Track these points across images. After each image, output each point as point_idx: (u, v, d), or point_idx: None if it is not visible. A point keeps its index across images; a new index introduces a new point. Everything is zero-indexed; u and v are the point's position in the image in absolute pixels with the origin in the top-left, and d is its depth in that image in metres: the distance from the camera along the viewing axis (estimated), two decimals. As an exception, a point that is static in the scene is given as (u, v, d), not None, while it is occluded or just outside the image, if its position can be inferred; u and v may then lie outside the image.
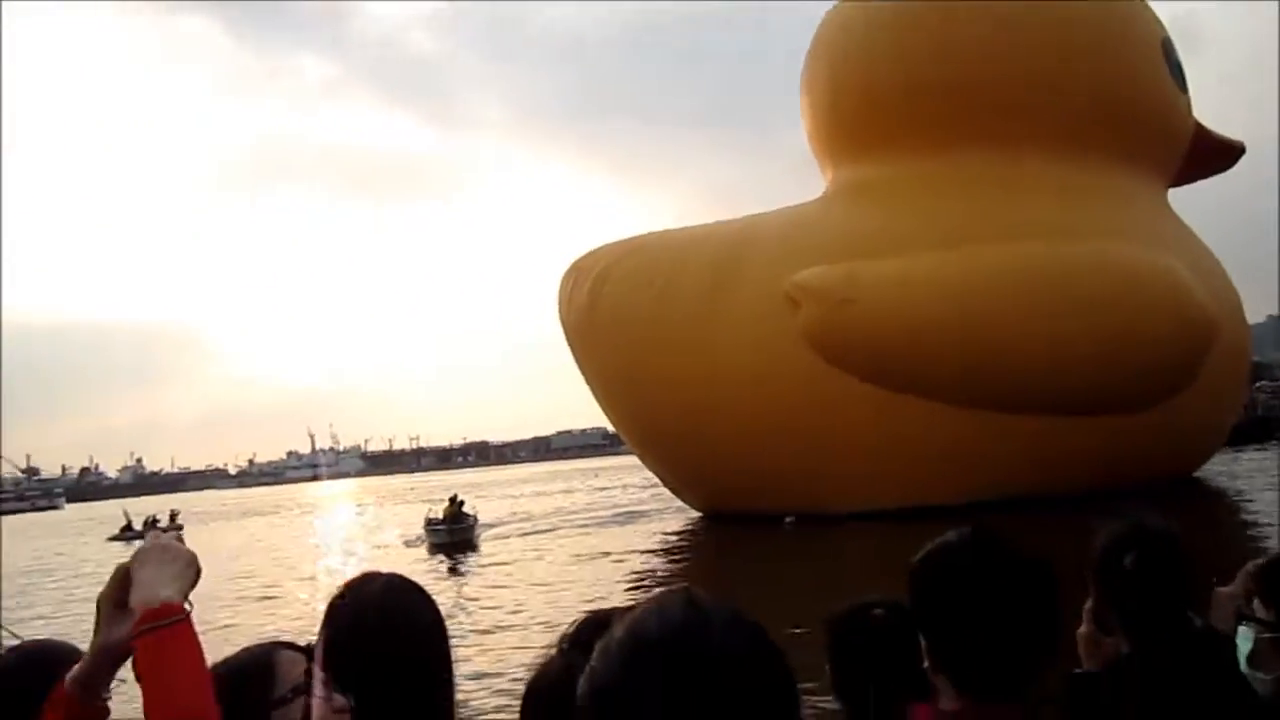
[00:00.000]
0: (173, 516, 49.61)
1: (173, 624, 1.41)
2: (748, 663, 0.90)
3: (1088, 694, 1.97)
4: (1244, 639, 2.03)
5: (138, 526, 48.14)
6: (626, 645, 0.91)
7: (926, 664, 1.64)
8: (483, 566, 23.88)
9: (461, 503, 31.03)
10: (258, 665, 1.65)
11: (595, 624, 1.69)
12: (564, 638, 1.76)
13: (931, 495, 21.47)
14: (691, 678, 0.87)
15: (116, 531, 48.32)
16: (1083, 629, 1.99)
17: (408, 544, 31.09)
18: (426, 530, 30.91)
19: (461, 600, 17.52)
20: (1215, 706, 1.82)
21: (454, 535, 29.25)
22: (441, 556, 26.65)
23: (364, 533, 40.52)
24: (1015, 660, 1.56)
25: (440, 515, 30.83)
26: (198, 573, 1.52)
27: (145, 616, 1.41)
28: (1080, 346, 21.01)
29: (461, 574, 23.00)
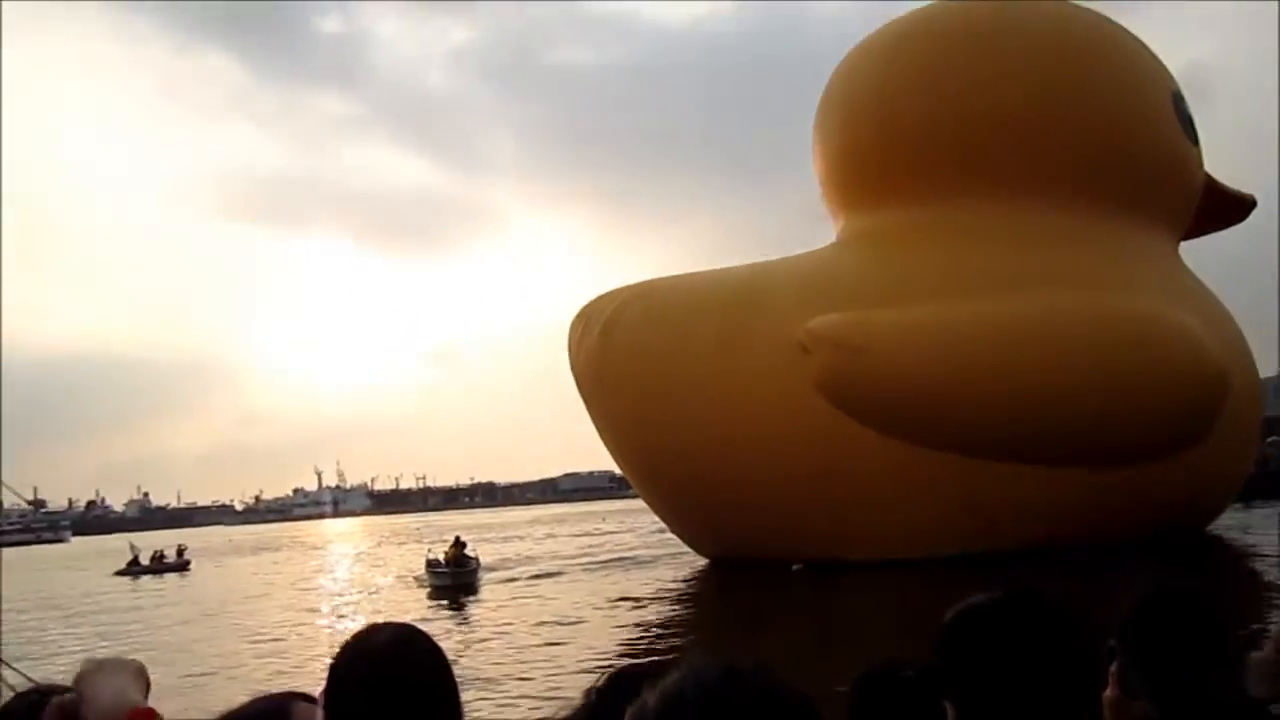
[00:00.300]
0: (179, 552, 49.49)
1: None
2: None
3: None
4: None
5: (145, 561, 48.02)
6: (661, 711, 0.89)
7: None
8: (487, 611, 23.40)
9: (464, 544, 30.62)
10: (272, 716, 1.62)
11: (625, 677, 1.65)
12: (592, 690, 1.71)
13: (942, 545, 21.42)
14: None
15: (124, 565, 47.97)
16: (1109, 693, 1.92)
17: (419, 581, 30.64)
18: (428, 572, 30.41)
19: (467, 647, 17.22)
20: None
21: (457, 579, 28.68)
22: (444, 600, 26.18)
23: (370, 572, 40.09)
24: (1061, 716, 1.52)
25: (441, 557, 30.39)
26: (147, 682, 1.51)
27: (132, 716, 1.41)
28: (1093, 398, 20.94)
29: (466, 619, 22.52)
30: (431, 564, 30.57)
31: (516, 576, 31.15)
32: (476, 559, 30.61)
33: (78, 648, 20.36)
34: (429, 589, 28.96)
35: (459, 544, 30.37)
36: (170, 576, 45.15)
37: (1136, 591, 2.01)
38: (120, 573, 46.66)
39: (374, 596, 30.03)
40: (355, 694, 1.63)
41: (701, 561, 28.55)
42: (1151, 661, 1.88)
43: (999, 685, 1.53)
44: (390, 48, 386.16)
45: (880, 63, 26.09)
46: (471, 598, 26.32)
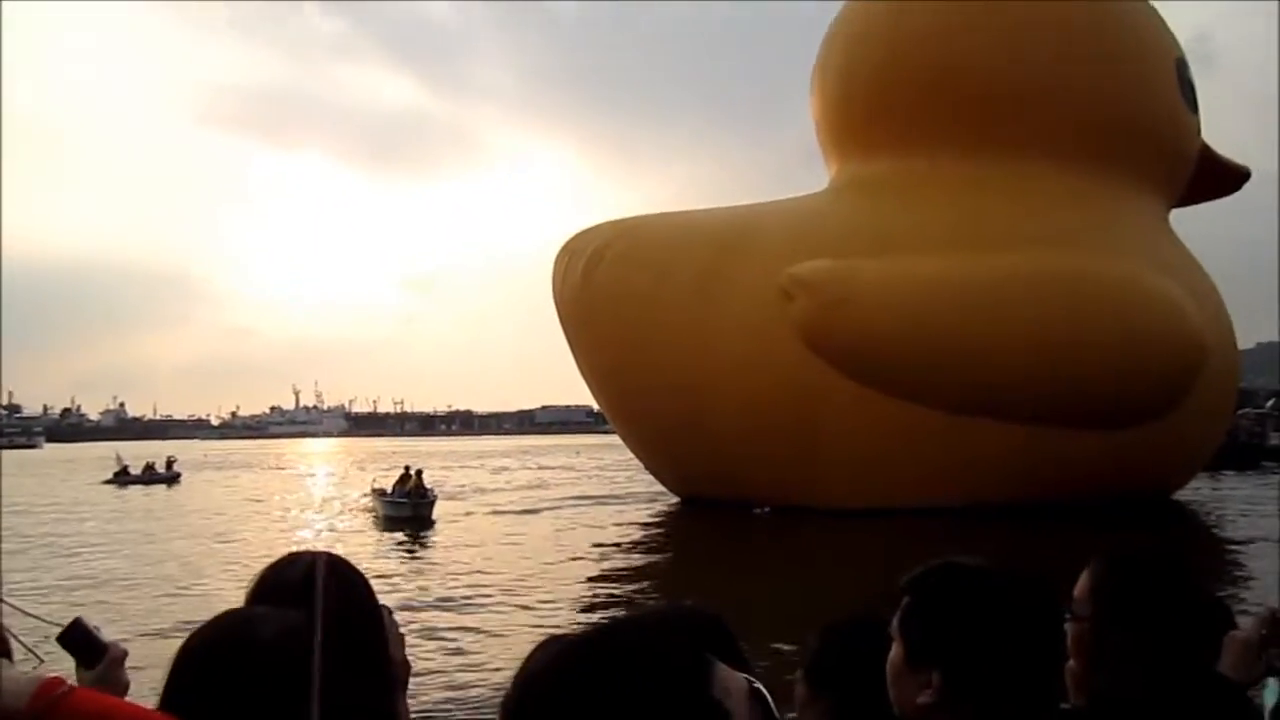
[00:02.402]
0: (169, 464, 49.79)
1: (71, 688, 1.30)
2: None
3: None
4: (1271, 693, 1.86)
5: (135, 471, 48.32)
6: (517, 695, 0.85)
7: (928, 698, 1.55)
8: (447, 548, 21.87)
9: (420, 472, 28.69)
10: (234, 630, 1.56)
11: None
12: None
13: (911, 498, 21.65)
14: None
15: (111, 475, 48.02)
16: (1071, 663, 1.85)
17: (368, 511, 29.35)
18: (379, 501, 28.72)
19: (425, 585, 16.47)
20: None
21: (417, 509, 26.91)
22: (399, 534, 24.32)
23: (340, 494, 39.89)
24: (1040, 687, 1.50)
25: (388, 488, 28.84)
26: None
27: (41, 690, 1.30)
28: (1071, 360, 21.04)
29: (427, 554, 21.13)
30: (381, 493, 28.97)
31: (477, 511, 29.88)
32: (433, 491, 28.60)
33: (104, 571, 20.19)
34: (379, 519, 27.51)
35: (417, 474, 28.36)
36: (158, 488, 45.43)
37: (1104, 556, 1.94)
38: (109, 481, 46.88)
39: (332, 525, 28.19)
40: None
41: (671, 500, 28.73)
42: (1121, 631, 1.81)
43: (999, 647, 1.49)
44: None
45: (884, 11, 25.68)
46: (428, 531, 24.81)
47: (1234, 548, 19.11)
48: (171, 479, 48.29)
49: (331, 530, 26.27)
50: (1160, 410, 21.84)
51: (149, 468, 48.86)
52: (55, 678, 1.30)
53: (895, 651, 1.61)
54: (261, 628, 1.42)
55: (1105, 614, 1.85)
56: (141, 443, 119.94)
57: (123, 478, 47.60)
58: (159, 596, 15.69)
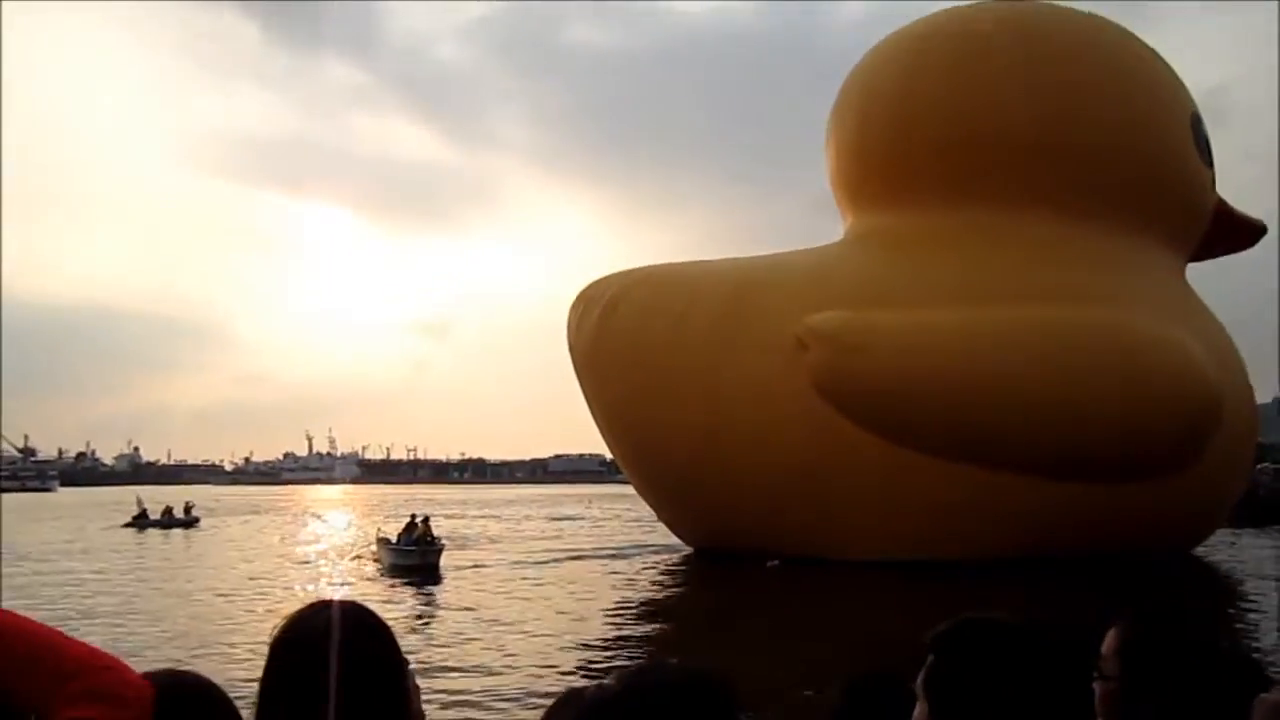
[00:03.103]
0: (187, 509, 50.04)
1: None
2: None
3: None
4: None
5: (154, 515, 48.54)
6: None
7: None
8: (453, 596, 21.68)
9: (427, 519, 28.44)
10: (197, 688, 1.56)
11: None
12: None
13: (925, 550, 21.46)
14: None
15: (130, 519, 48.38)
16: None
17: (373, 557, 29.06)
18: (385, 550, 28.22)
19: (428, 635, 16.26)
20: None
21: (425, 558, 26.40)
22: (403, 582, 24.04)
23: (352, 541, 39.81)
24: None
25: (392, 536, 28.37)
26: None
27: None
28: (1086, 413, 20.93)
29: (430, 603, 20.88)
30: (386, 541, 28.48)
31: (487, 562, 29.27)
32: (440, 540, 28.05)
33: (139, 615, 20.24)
34: (385, 568, 27.13)
35: (425, 522, 28.07)
36: (176, 531, 45.74)
37: (1132, 613, 1.86)
38: (128, 525, 47.21)
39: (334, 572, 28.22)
40: (292, 672, 1.55)
41: (682, 552, 28.49)
42: (1145, 697, 1.74)
43: (1003, 713, 1.46)
44: (403, 18, 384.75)
45: (899, 65, 25.94)
46: (434, 584, 24.09)
47: (1250, 603, 18.78)
48: (190, 523, 48.55)
49: (336, 579, 26.08)
50: (1176, 464, 21.65)
51: (168, 512, 49.16)
52: None
53: (920, 711, 1.57)
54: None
55: (1133, 673, 1.77)
56: (155, 487, 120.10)
57: (142, 521, 47.92)
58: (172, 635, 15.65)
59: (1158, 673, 1.75)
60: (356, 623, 1.62)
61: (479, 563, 29.06)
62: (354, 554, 32.15)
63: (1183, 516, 23.28)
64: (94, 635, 14.93)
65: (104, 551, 33.96)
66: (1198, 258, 27.04)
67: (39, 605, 18.51)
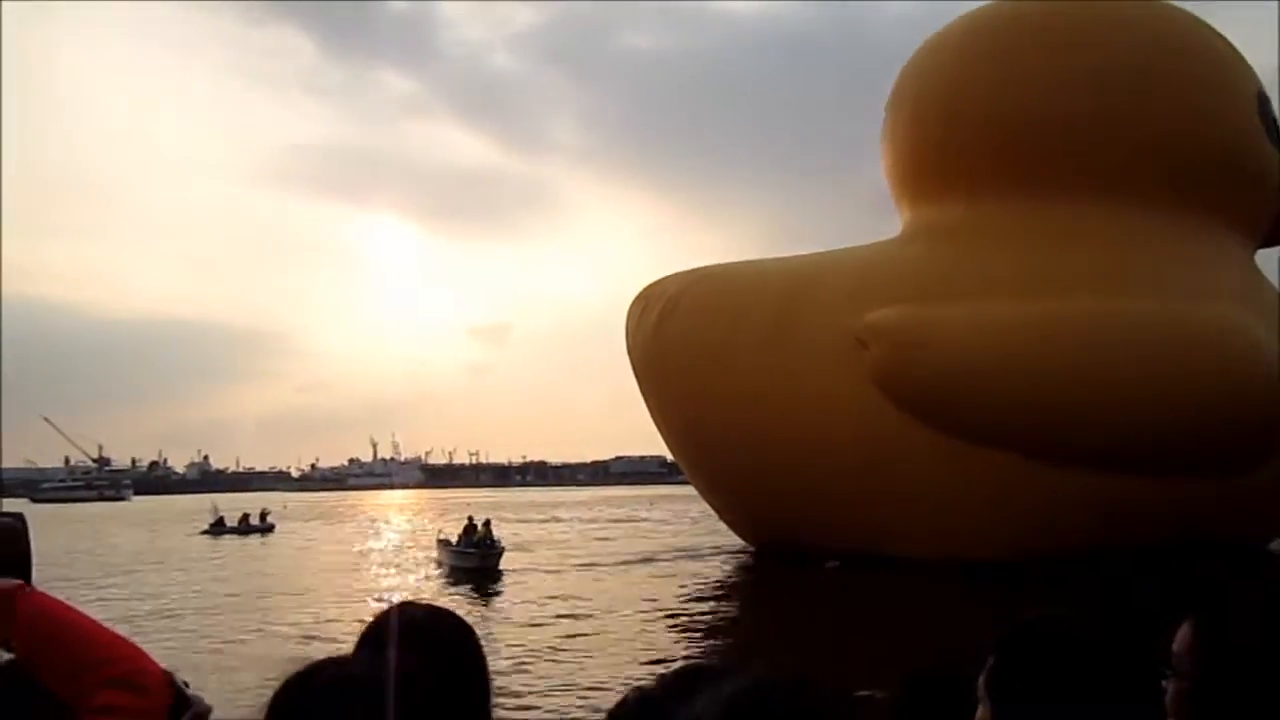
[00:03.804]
0: (263, 516, 51.37)
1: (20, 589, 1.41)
2: None
3: None
4: None
5: (231, 522, 49.96)
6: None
7: None
8: (515, 599, 21.94)
9: (488, 523, 28.63)
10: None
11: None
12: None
13: (987, 548, 21.09)
14: None
15: (207, 526, 49.81)
16: None
17: (435, 561, 29.51)
18: (445, 552, 28.54)
19: (492, 637, 16.10)
20: None
21: (485, 560, 26.61)
22: (466, 584, 24.39)
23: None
24: None
25: (453, 538, 28.68)
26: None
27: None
28: (1157, 406, 20.44)
29: (490, 605, 21.19)
30: (446, 543, 28.86)
31: (552, 564, 29.43)
32: (500, 541, 28.34)
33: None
34: (445, 570, 27.44)
35: (485, 524, 28.33)
36: (253, 537, 47.61)
37: (1209, 606, 1.72)
38: (206, 532, 48.71)
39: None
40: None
41: (742, 552, 28.40)
42: (1224, 694, 1.62)
43: (1056, 712, 1.46)
44: (456, 29, 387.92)
45: (952, 59, 25.60)
46: (494, 584, 24.60)
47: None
48: (266, 529, 49.91)
49: (400, 581, 26.62)
50: (1252, 458, 21.09)
51: (245, 519, 50.54)
52: (18, 582, 1.43)
53: (982, 713, 1.57)
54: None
55: (1210, 671, 1.65)
56: (225, 494, 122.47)
57: (218, 528, 49.19)
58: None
59: (1235, 671, 1.63)
60: (448, 622, 1.71)
61: (539, 564, 29.18)
62: (416, 558, 32.80)
63: (1257, 509, 22.66)
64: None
65: (202, 561, 34.44)
66: (1269, 243, 26.29)
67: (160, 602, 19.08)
